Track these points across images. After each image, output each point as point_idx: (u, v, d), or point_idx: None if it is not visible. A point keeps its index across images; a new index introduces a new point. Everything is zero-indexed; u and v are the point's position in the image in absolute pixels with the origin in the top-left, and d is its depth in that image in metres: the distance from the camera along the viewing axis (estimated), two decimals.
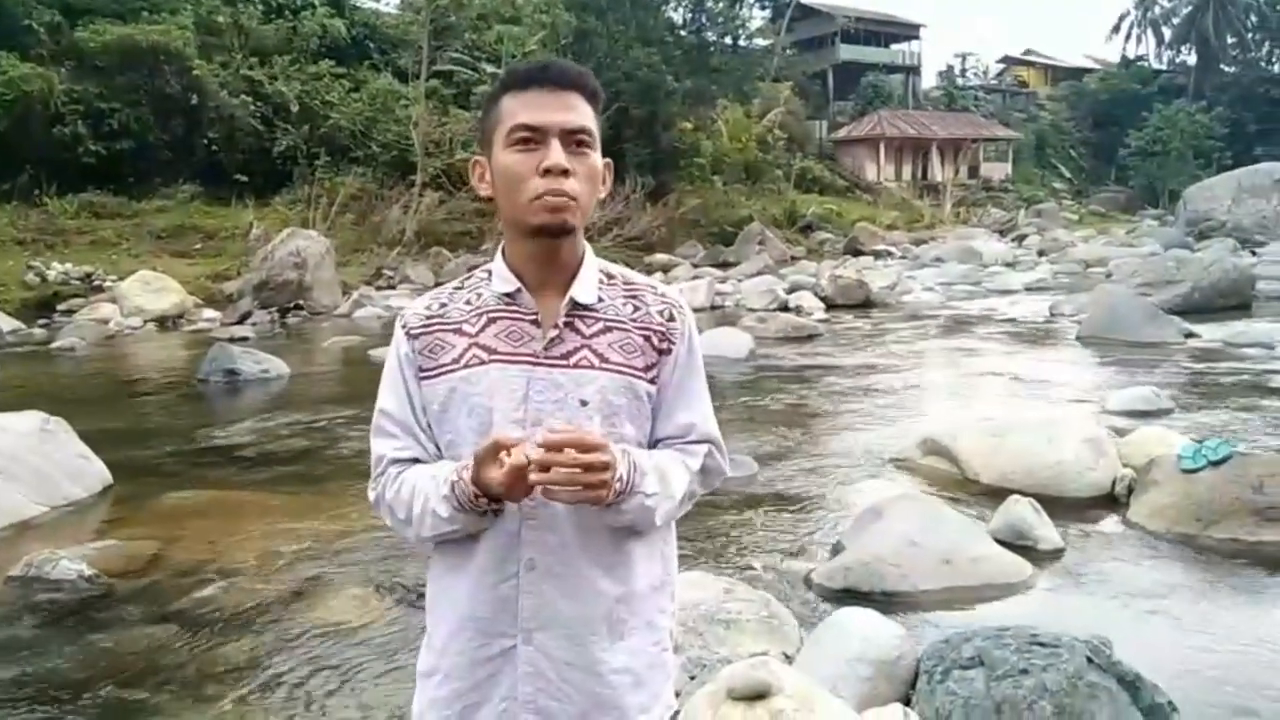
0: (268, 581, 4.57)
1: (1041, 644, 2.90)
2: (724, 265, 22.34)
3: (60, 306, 15.71)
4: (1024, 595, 4.26)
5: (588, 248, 1.48)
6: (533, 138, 1.37)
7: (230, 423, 8.10)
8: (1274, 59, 52.13)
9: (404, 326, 1.48)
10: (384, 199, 22.47)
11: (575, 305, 1.43)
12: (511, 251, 1.46)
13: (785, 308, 15.10)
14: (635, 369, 1.44)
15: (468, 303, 1.47)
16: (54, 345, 12.96)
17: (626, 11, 25.74)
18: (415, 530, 1.43)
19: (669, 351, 1.47)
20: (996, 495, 5.29)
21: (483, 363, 1.42)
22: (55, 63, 20.54)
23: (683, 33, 28.23)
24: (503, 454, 1.28)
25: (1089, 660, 2.83)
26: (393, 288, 18.59)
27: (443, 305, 1.49)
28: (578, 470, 1.26)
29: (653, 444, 1.49)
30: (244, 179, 21.91)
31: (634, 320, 1.46)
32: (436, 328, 1.46)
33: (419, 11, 24.36)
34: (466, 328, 1.45)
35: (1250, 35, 51.70)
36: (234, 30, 23.58)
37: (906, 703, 3.04)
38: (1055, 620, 3.50)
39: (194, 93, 21.56)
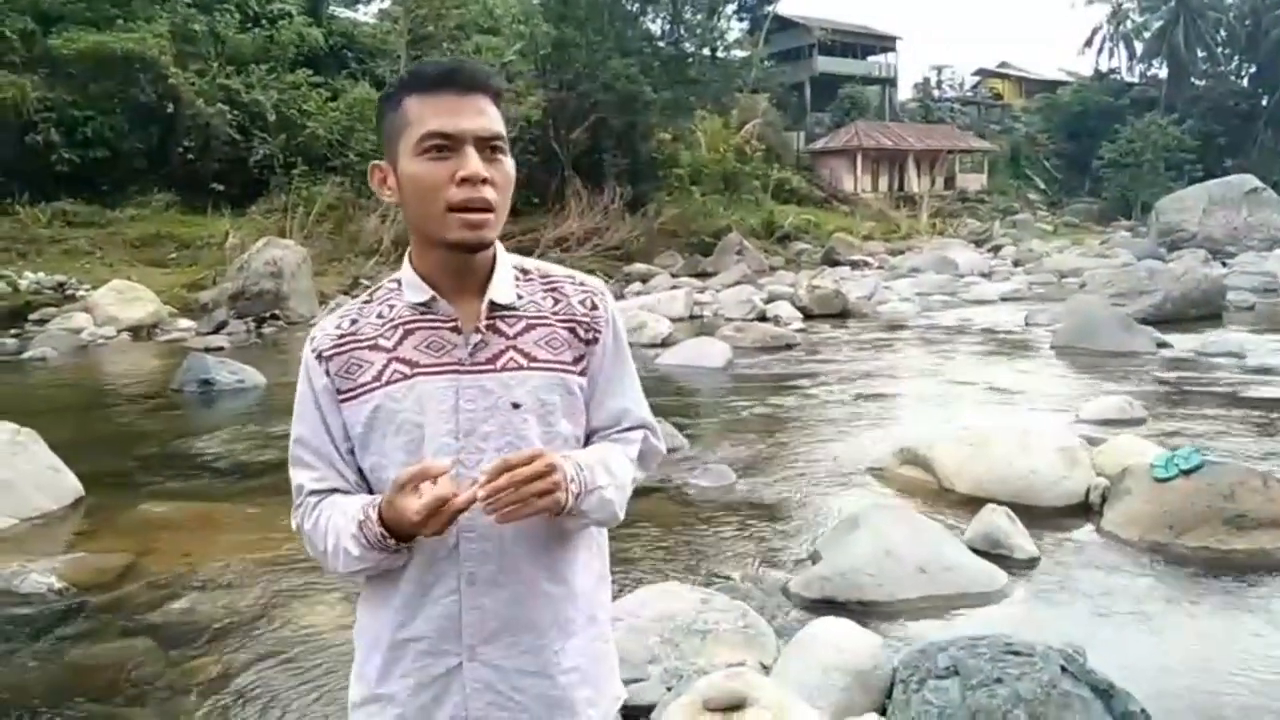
0: (242, 593, 4.53)
1: (1016, 653, 2.92)
2: (702, 275, 22.38)
3: (32, 316, 15.50)
4: (999, 604, 4.29)
5: (499, 246, 1.43)
6: (447, 145, 1.32)
7: (205, 433, 8.03)
8: (1243, 73, 52.89)
9: (315, 350, 1.42)
10: (361, 208, 22.36)
11: (494, 307, 1.39)
12: (421, 260, 1.40)
13: (763, 317, 15.15)
14: (564, 364, 1.41)
15: (379, 316, 1.41)
16: (25, 355, 12.79)
17: (605, 22, 25.78)
18: (332, 565, 1.38)
19: (596, 341, 1.44)
20: (972, 504, 5.33)
21: (405, 377, 1.36)
22: (28, 70, 20.30)
23: (661, 44, 28.30)
24: (425, 484, 1.24)
25: (1063, 669, 2.86)
26: None
27: (353, 322, 1.42)
28: (524, 485, 1.23)
29: (587, 436, 1.47)
30: (220, 188, 21.74)
31: (556, 314, 1.42)
32: (350, 346, 1.40)
33: (397, 21, 24.34)
34: (382, 342, 1.39)
35: (1220, 50, 52.43)
36: (210, 39, 23.42)
37: (882, 712, 3.05)
38: (1030, 629, 3.53)
39: (169, 101, 21.39)
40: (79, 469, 6.26)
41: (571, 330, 1.43)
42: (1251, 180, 27.07)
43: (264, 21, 25.11)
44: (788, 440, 7.53)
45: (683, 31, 28.51)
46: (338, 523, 1.36)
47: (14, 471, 5.84)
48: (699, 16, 28.34)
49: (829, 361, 11.34)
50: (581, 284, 1.48)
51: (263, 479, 6.62)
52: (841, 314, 15.75)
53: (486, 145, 1.34)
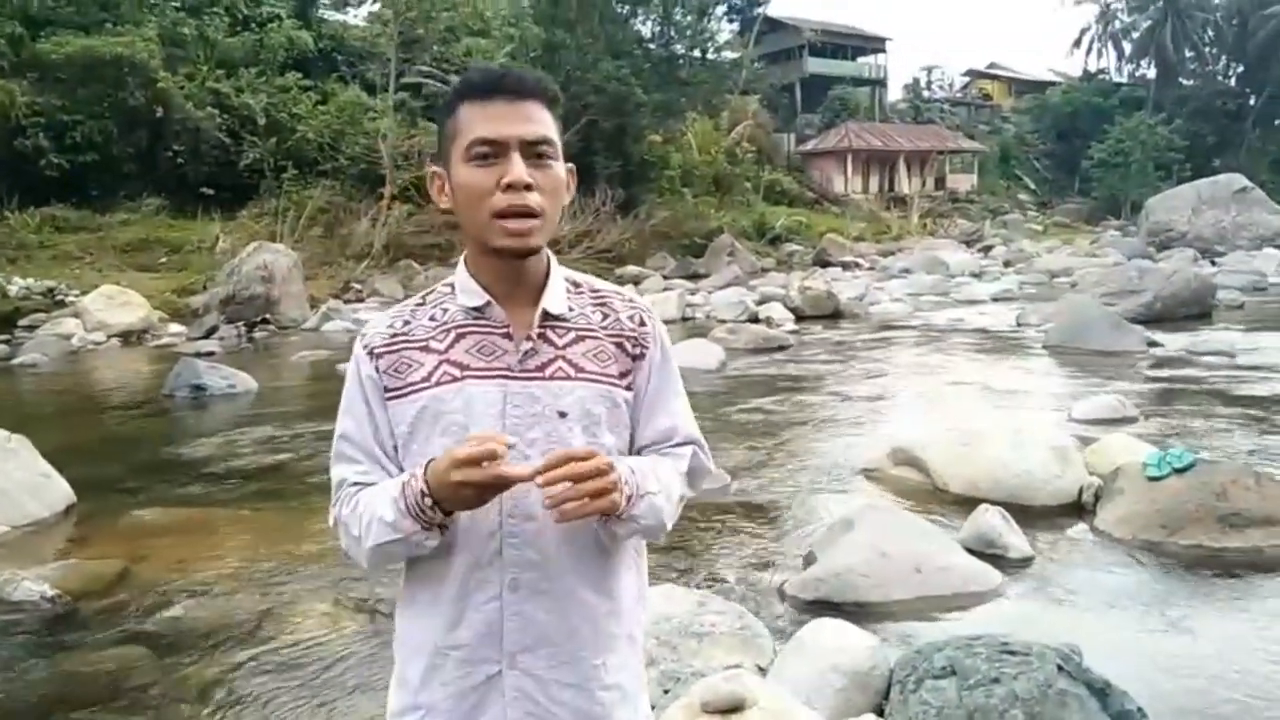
0: (235, 599, 4.51)
1: (1012, 652, 2.93)
2: (694, 277, 22.42)
3: (22, 322, 15.45)
4: (994, 604, 4.30)
5: (553, 257, 1.45)
6: (492, 152, 1.33)
7: (196, 439, 8.00)
8: (1230, 73, 53.17)
9: (366, 346, 1.43)
10: (352, 212, 22.34)
11: (546, 316, 1.40)
12: (476, 266, 1.42)
13: (755, 319, 15.16)
14: (611, 377, 1.42)
15: (432, 318, 1.43)
16: (15, 361, 12.75)
17: (595, 24, 25.79)
18: (363, 543, 1.36)
19: (643, 357, 1.45)
20: (966, 504, 5.33)
21: (455, 380, 1.37)
22: (16, 74, 20.23)
23: (651, 46, 28.33)
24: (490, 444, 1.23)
25: (1059, 668, 2.86)
26: (361, 301, 18.48)
27: (406, 323, 1.43)
28: (583, 482, 1.23)
29: (635, 452, 1.47)
30: (210, 192, 21.70)
31: (605, 328, 1.44)
32: (401, 345, 1.41)
33: (387, 24, 24.29)
34: (434, 344, 1.40)
35: (1208, 49, 52.69)
36: (199, 42, 23.37)
37: (880, 713, 3.06)
38: (1025, 628, 3.53)
39: (159, 105, 21.34)
40: (71, 475, 6.24)
41: (619, 345, 1.44)
42: (1240, 179, 27.22)
43: (253, 25, 25.07)
44: (782, 442, 7.54)
45: (673, 33, 28.54)
46: (377, 498, 1.35)
47: (5, 478, 5.81)
48: (689, 18, 28.38)
49: (822, 363, 11.36)
50: (630, 301, 1.50)
51: (255, 484, 6.60)
52: (833, 315, 15.78)
53: (533, 151, 1.35)
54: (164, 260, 19.53)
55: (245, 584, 4.70)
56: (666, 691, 3.18)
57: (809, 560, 4.72)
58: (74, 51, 20.19)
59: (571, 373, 1.40)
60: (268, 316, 15.97)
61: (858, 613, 4.02)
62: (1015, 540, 4.82)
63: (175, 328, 15.69)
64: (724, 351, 11.42)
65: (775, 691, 2.88)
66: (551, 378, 1.39)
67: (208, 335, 15.01)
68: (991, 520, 4.88)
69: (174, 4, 23.76)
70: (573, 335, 1.42)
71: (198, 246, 20.06)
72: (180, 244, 20.15)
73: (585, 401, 1.39)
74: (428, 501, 1.28)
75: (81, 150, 20.49)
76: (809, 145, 43.10)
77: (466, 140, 1.35)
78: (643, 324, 1.47)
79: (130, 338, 14.98)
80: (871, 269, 25.50)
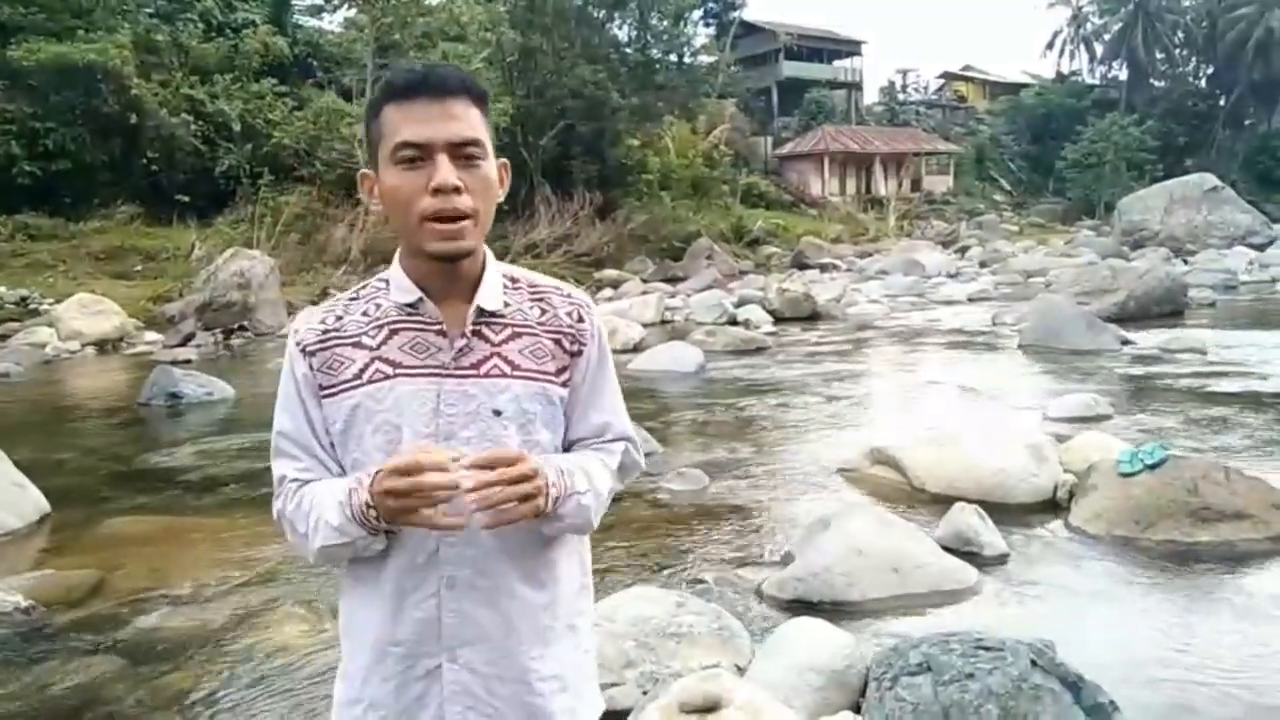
0: (213, 607, 4.48)
1: (986, 648, 2.96)
2: (673, 280, 22.45)
3: None
4: (970, 601, 4.33)
5: (488, 252, 1.43)
6: (419, 155, 1.31)
7: (173, 447, 7.95)
8: (1200, 74, 53.87)
9: (299, 344, 1.41)
10: (329, 217, 22.23)
11: (481, 313, 1.39)
12: (408, 264, 1.41)
13: (734, 321, 15.21)
14: (547, 374, 1.41)
15: (365, 314, 1.41)
16: None
17: (572, 29, 25.81)
18: (310, 542, 1.37)
19: (580, 353, 1.44)
20: (943, 503, 5.37)
21: (387, 377, 1.37)
22: None
23: (628, 50, 28.37)
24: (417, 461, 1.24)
25: (1033, 663, 2.89)
26: None
27: (339, 318, 1.42)
28: (509, 486, 1.24)
29: (567, 446, 1.47)
30: (185, 199, 21.55)
31: (542, 324, 1.42)
32: (334, 342, 1.40)
33: (363, 30, 24.21)
34: (366, 340, 1.39)
35: (1178, 51, 53.37)
36: (173, 49, 23.21)
37: (857, 710, 3.08)
38: (1000, 624, 3.57)
39: (133, 112, 21.18)
40: (45, 485, 6.18)
41: (557, 341, 1.42)
42: (1211, 179, 27.58)
43: (228, 31, 24.93)
44: (760, 443, 7.57)
45: (649, 38, 28.59)
46: (323, 497, 1.36)
47: None
48: (665, 23, 28.44)
49: (800, 364, 11.41)
50: (569, 295, 1.48)
51: (232, 491, 6.56)
52: (811, 317, 15.84)
53: (460, 152, 1.33)
54: (139, 268, 19.39)
55: (222, 592, 4.67)
56: (645, 692, 3.20)
57: (787, 560, 4.75)
58: (46, 58, 20.00)
59: (507, 370, 1.38)
60: (245, 323, 15.87)
61: (835, 612, 4.05)
62: (991, 538, 4.86)
63: (151, 336, 15.56)
64: (702, 354, 11.44)
65: (753, 691, 2.90)
66: (486, 375, 1.38)
67: (184, 343, 14.90)
68: (968, 518, 4.93)
69: (147, 10, 23.62)
70: (509, 332, 1.40)
71: (173, 254, 19.93)
72: (155, 251, 20.01)
73: (521, 399, 1.39)
74: (372, 512, 1.29)
75: (54, 158, 20.31)
76: (786, 148, 43.27)
77: (392, 143, 1.33)
78: (581, 320, 1.45)
79: (105, 346, 14.85)
80: (849, 270, 25.62)
